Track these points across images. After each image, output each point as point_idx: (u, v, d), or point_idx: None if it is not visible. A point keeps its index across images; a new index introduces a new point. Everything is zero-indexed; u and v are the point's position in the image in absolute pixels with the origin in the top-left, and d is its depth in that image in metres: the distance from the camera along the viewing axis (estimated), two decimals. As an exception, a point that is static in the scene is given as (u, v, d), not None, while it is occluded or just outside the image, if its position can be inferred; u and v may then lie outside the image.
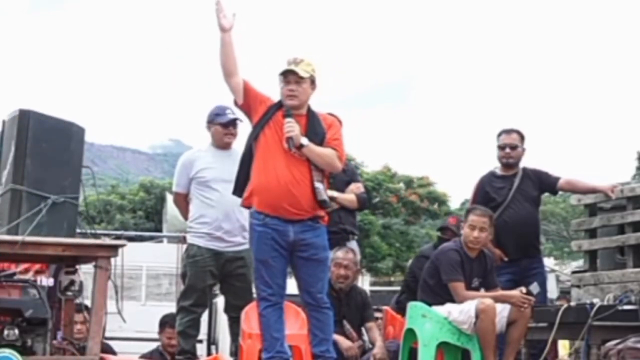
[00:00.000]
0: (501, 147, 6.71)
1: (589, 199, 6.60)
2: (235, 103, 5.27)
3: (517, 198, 6.61)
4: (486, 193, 6.70)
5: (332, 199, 6.48)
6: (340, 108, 5.28)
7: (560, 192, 7.51)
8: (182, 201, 6.37)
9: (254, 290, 6.34)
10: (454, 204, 33.84)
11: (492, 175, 6.80)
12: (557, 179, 6.64)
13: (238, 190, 5.29)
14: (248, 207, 5.26)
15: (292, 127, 5.05)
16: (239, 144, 6.33)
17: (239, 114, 5.65)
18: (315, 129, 5.17)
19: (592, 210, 6.61)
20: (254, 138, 5.18)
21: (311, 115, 5.21)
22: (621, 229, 6.23)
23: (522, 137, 6.76)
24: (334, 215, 6.02)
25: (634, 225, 6.09)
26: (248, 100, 5.20)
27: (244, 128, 6.29)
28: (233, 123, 6.22)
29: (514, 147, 6.68)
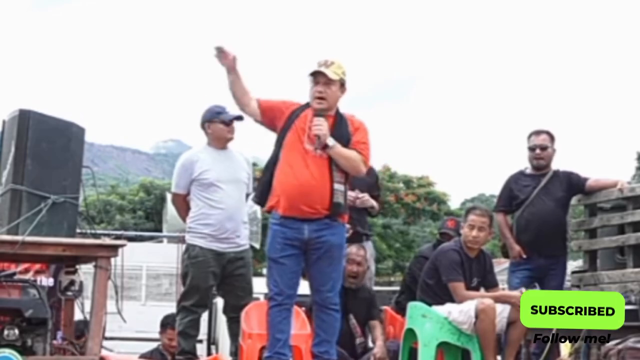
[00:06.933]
0: (531, 149, 6.76)
1: (589, 199, 6.61)
2: (255, 120, 5.24)
3: (541, 197, 6.65)
4: (511, 190, 6.78)
5: (372, 208, 6.57)
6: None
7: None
8: (182, 202, 6.32)
9: (253, 289, 6.39)
10: (454, 203, 33.85)
11: (520, 174, 6.87)
12: (586, 179, 6.64)
13: (259, 196, 5.27)
14: (269, 211, 5.20)
15: (321, 127, 5.02)
16: (234, 145, 6.35)
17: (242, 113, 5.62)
18: (342, 131, 5.13)
19: (592, 210, 6.61)
20: (279, 144, 5.14)
21: (339, 118, 5.17)
22: (621, 229, 6.22)
23: (552, 138, 6.80)
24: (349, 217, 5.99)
25: (634, 225, 6.08)
26: (268, 116, 5.19)
27: (249, 130, 6.31)
28: (236, 119, 6.19)
29: (544, 148, 6.73)
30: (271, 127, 5.23)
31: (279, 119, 5.17)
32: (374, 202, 6.80)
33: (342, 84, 5.16)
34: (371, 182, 6.81)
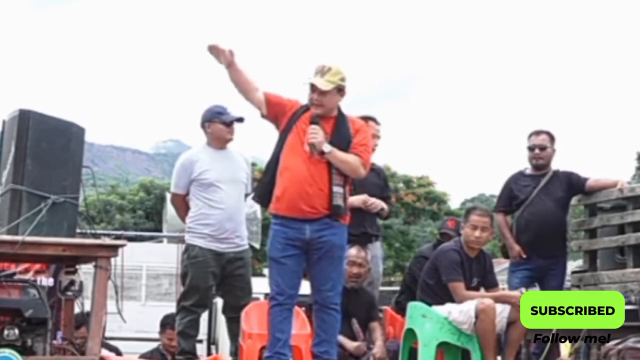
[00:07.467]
0: (531, 149, 6.77)
1: (589, 199, 6.61)
2: (261, 115, 5.22)
3: (540, 197, 6.65)
4: (510, 190, 6.79)
5: (382, 210, 6.57)
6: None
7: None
8: (181, 202, 6.32)
9: (252, 289, 6.39)
10: (454, 203, 33.84)
11: (520, 174, 6.87)
12: (586, 179, 6.64)
13: (260, 196, 5.27)
14: (273, 213, 5.19)
15: (316, 135, 5.02)
16: (234, 144, 6.34)
17: (245, 114, 5.63)
18: (342, 132, 5.13)
19: (592, 210, 6.61)
20: (280, 145, 5.14)
21: (340, 119, 5.17)
22: (621, 229, 6.22)
23: (551, 138, 6.80)
24: (356, 218, 5.90)
25: (634, 225, 6.08)
26: (273, 110, 5.18)
27: (249, 130, 6.30)
28: (237, 121, 6.19)
29: (543, 148, 6.73)
30: (275, 122, 5.23)
31: (282, 117, 5.17)
32: (383, 205, 6.71)
33: (339, 89, 5.14)
34: (381, 184, 6.77)
